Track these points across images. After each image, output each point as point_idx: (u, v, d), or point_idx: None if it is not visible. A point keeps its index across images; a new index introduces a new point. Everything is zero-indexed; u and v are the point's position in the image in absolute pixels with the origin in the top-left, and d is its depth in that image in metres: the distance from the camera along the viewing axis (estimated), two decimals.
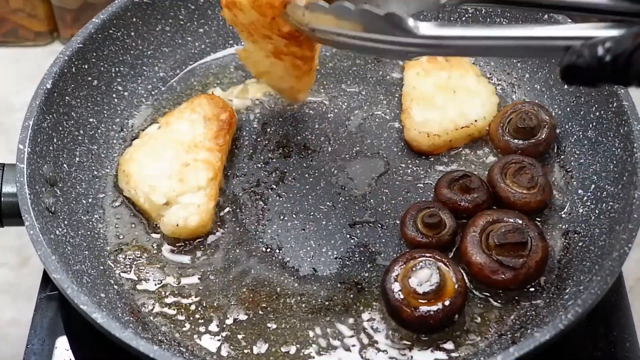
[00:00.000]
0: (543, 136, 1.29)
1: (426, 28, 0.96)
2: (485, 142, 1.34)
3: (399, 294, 1.10)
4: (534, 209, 1.22)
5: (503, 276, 1.14)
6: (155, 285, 1.19)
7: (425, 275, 1.10)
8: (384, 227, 1.25)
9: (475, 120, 1.32)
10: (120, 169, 1.28)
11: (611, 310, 1.20)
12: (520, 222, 1.17)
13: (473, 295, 1.17)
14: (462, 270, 1.14)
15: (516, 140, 1.29)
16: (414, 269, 1.11)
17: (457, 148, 1.33)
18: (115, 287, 1.19)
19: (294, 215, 1.26)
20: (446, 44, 0.96)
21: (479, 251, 1.15)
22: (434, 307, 1.09)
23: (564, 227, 1.24)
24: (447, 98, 1.34)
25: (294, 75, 1.25)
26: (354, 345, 1.13)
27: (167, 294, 1.18)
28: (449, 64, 1.38)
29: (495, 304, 1.16)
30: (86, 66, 1.33)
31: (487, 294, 1.17)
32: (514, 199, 1.22)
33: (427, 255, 1.13)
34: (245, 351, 1.13)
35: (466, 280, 1.14)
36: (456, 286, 1.10)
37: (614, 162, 1.23)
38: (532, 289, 1.17)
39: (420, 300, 1.09)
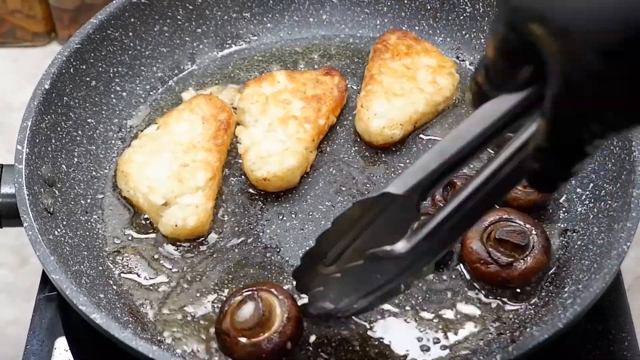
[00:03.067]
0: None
1: (400, 245, 0.95)
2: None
3: (230, 331, 1.09)
4: (523, 207, 1.21)
5: (485, 267, 1.14)
6: (155, 285, 1.19)
7: (248, 310, 1.08)
8: None
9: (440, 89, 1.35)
10: (119, 170, 1.28)
11: (610, 309, 1.20)
12: (532, 228, 1.17)
13: (472, 294, 1.17)
14: (291, 298, 1.10)
15: None
16: (239, 304, 1.09)
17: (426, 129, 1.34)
18: (114, 287, 1.19)
19: (292, 215, 1.26)
20: (432, 243, 0.94)
21: (478, 238, 1.16)
22: (261, 338, 1.07)
23: (562, 225, 1.24)
24: (405, 85, 1.35)
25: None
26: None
27: (166, 294, 1.18)
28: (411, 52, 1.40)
29: (494, 303, 1.16)
30: (84, 67, 1.33)
31: (486, 293, 1.17)
32: None
33: (252, 288, 1.11)
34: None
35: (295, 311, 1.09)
36: (284, 316, 1.08)
37: (613, 160, 1.23)
38: (529, 289, 1.17)
39: (246, 333, 1.07)
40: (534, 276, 1.15)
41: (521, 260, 1.14)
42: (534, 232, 1.16)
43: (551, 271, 1.19)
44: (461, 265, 1.19)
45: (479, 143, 0.88)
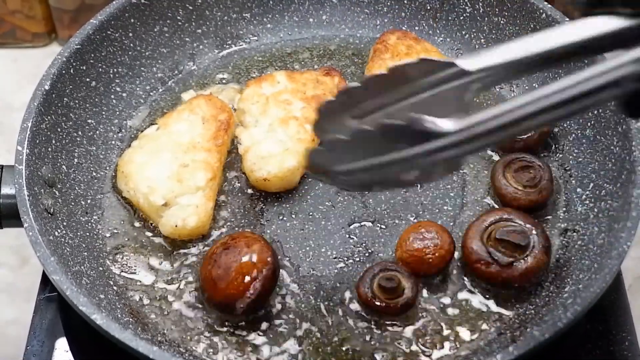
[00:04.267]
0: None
1: (450, 123, 0.83)
2: None
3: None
4: (523, 206, 1.22)
5: (485, 267, 1.14)
6: (155, 285, 1.19)
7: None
8: (383, 227, 1.25)
9: None
10: (119, 170, 1.28)
11: (610, 309, 1.20)
12: (532, 228, 1.17)
13: (473, 294, 1.17)
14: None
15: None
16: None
17: None
18: (115, 288, 1.19)
19: (292, 216, 1.27)
20: (482, 130, 0.84)
21: (478, 238, 1.16)
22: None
23: (562, 225, 1.24)
24: None
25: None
26: None
27: (167, 294, 1.18)
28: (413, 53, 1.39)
29: (494, 302, 1.16)
30: (84, 67, 1.33)
31: (486, 293, 1.17)
32: (504, 192, 1.23)
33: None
34: (246, 351, 1.13)
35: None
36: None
37: (613, 160, 1.23)
38: (530, 289, 1.17)
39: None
40: (535, 276, 1.15)
41: (522, 260, 1.14)
42: (534, 232, 1.16)
43: (551, 271, 1.19)
44: (461, 265, 1.19)
45: (569, 52, 0.82)
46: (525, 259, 1.14)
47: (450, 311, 1.16)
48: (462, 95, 0.86)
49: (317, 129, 1.01)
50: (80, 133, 1.31)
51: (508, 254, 1.15)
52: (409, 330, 1.14)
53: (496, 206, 1.25)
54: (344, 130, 0.95)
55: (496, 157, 1.31)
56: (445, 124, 0.83)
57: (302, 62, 1.46)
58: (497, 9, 1.42)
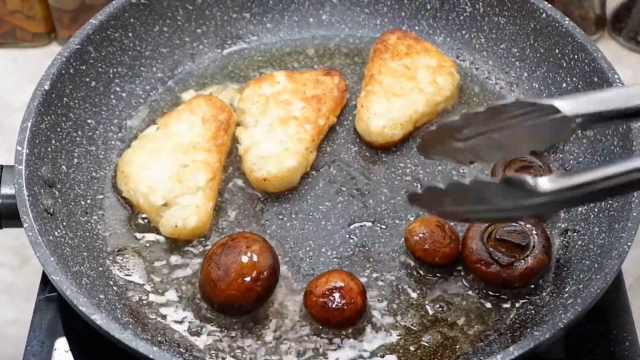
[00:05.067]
0: None
1: (546, 183, 0.86)
2: None
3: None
4: None
5: (486, 267, 1.14)
6: (155, 286, 1.19)
7: None
8: (383, 227, 1.25)
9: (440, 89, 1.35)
10: (119, 170, 1.28)
11: (611, 309, 1.20)
12: (532, 228, 1.17)
13: (473, 294, 1.17)
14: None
15: None
16: None
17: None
18: (115, 288, 1.18)
19: (293, 216, 1.26)
20: (574, 195, 0.87)
21: (479, 238, 1.16)
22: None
23: (563, 225, 1.24)
24: (405, 84, 1.35)
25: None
26: (353, 346, 1.13)
27: (167, 294, 1.18)
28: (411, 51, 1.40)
29: (494, 302, 1.16)
30: (84, 67, 1.33)
31: (486, 293, 1.17)
32: None
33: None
34: (246, 351, 1.13)
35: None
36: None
37: (613, 160, 1.23)
38: (530, 289, 1.17)
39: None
40: (535, 276, 1.15)
41: (522, 260, 1.14)
42: (534, 232, 1.16)
43: (552, 271, 1.19)
44: (461, 265, 1.19)
45: None
46: (526, 259, 1.14)
47: (450, 311, 1.16)
48: (557, 133, 0.90)
49: (421, 148, 1.05)
50: (80, 133, 1.31)
51: (508, 254, 1.15)
52: (410, 329, 1.13)
53: None
54: (450, 151, 1.01)
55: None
56: (542, 185, 0.86)
57: (302, 62, 1.46)
58: (497, 9, 1.42)
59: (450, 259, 1.18)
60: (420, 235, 1.17)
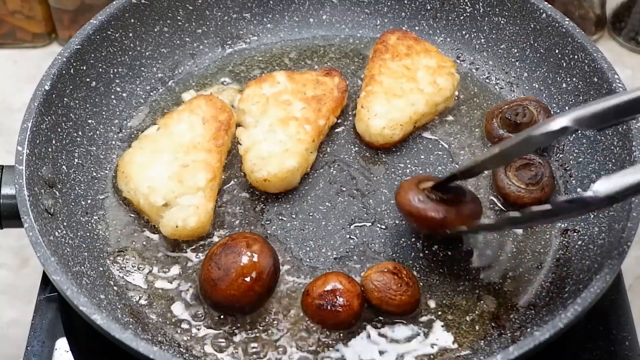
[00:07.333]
0: None
1: (602, 186, 0.97)
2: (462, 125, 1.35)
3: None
4: (527, 205, 1.22)
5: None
6: (155, 286, 1.19)
7: None
8: (383, 227, 1.25)
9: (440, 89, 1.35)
10: (119, 171, 1.28)
11: (610, 309, 1.20)
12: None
13: (473, 294, 1.17)
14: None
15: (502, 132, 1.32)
16: None
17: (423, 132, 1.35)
18: (115, 288, 1.19)
19: (293, 216, 1.27)
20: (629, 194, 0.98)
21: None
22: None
23: (563, 225, 1.24)
24: (405, 85, 1.35)
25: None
26: (351, 347, 1.13)
27: (167, 294, 1.18)
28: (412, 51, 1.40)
29: (494, 302, 1.17)
30: (84, 67, 1.33)
31: (486, 293, 1.17)
32: (507, 191, 1.24)
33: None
34: (246, 351, 1.13)
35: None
36: None
37: (613, 160, 1.23)
38: (530, 288, 1.17)
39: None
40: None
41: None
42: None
43: (551, 271, 1.19)
44: (461, 265, 1.19)
45: None
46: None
47: (451, 311, 1.16)
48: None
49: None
50: (80, 133, 1.31)
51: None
52: (408, 329, 1.14)
53: (499, 204, 1.25)
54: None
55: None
56: (597, 191, 0.97)
57: (302, 63, 1.46)
58: (497, 9, 1.42)
59: (409, 307, 1.15)
60: (376, 283, 1.14)
